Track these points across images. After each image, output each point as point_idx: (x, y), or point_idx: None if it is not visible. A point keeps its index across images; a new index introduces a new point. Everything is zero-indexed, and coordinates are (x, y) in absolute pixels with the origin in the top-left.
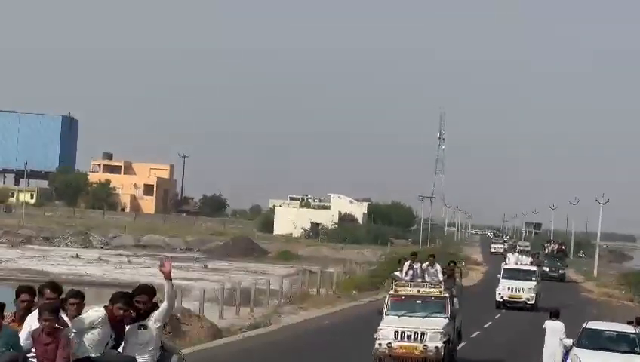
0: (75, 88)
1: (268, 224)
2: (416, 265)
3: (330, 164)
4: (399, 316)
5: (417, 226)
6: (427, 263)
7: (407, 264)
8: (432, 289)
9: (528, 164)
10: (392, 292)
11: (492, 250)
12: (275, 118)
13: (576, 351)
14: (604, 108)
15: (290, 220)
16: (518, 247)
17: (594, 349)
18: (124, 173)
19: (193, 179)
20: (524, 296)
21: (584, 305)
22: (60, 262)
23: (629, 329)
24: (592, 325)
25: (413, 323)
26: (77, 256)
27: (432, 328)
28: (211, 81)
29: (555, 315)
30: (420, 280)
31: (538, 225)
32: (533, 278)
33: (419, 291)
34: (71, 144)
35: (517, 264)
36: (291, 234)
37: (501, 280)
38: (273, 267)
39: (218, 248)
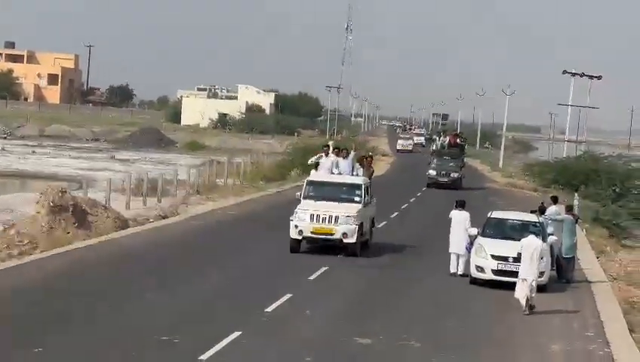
0: None
1: (175, 115)
2: (331, 156)
3: (237, 54)
4: (315, 200)
5: (325, 117)
6: (340, 153)
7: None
8: (348, 177)
9: (436, 55)
10: (309, 178)
11: (399, 147)
12: (182, 7)
13: (480, 240)
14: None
15: (197, 111)
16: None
17: (498, 238)
18: (27, 63)
19: (99, 69)
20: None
21: (489, 195)
22: None
23: (532, 218)
24: (496, 214)
25: (328, 207)
26: None
27: (346, 212)
28: None
29: (460, 205)
30: (336, 171)
31: (445, 116)
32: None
33: (334, 178)
34: None
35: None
36: (199, 124)
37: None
38: (180, 157)
39: (125, 139)
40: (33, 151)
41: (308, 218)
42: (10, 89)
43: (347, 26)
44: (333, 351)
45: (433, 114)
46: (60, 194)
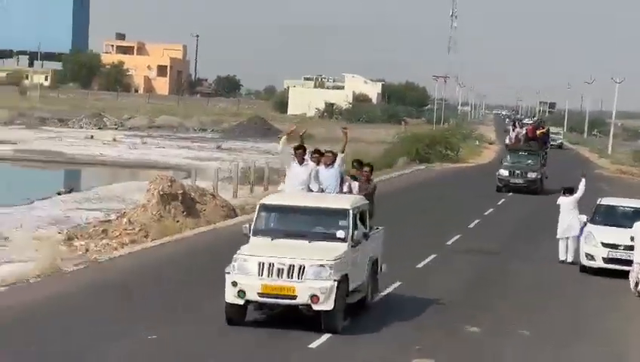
0: None
1: (282, 104)
2: (309, 164)
3: (345, 44)
4: (272, 238)
5: (431, 106)
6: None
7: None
8: (329, 197)
9: (544, 43)
10: (263, 200)
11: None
12: None
13: (590, 227)
14: None
15: (304, 100)
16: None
17: (608, 225)
18: (137, 54)
19: (207, 59)
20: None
21: (598, 181)
22: (75, 143)
23: None
24: (606, 201)
25: (289, 250)
26: (91, 137)
27: (319, 259)
28: None
29: (568, 191)
30: (315, 187)
31: (552, 105)
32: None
33: (307, 199)
34: (83, 24)
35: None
36: (305, 114)
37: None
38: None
39: (232, 128)
40: (143, 142)
41: (255, 269)
42: (121, 81)
43: (452, 13)
44: (444, 339)
45: (540, 102)
46: (170, 183)
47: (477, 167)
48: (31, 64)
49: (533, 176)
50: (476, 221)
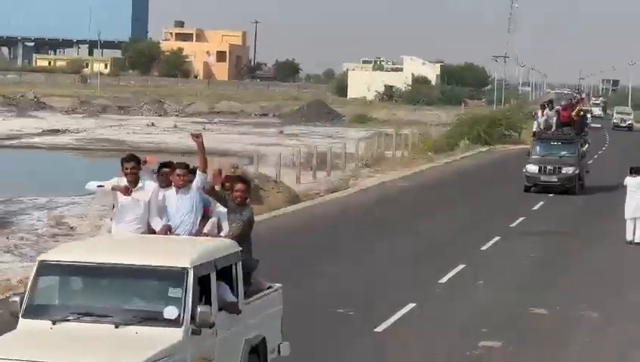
0: None
1: (341, 88)
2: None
3: (403, 26)
4: (53, 321)
5: (491, 86)
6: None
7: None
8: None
9: (605, 20)
10: (45, 254)
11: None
12: None
13: None
14: None
15: (363, 83)
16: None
17: None
18: (196, 41)
19: (266, 45)
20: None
21: None
22: (137, 131)
23: None
24: None
25: (75, 344)
26: (152, 124)
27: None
28: None
29: (635, 171)
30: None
31: (615, 82)
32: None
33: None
34: (142, 13)
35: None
36: (365, 97)
37: None
38: (348, 130)
39: (293, 113)
40: (204, 128)
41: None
42: (180, 67)
43: None
44: (509, 321)
45: (603, 80)
46: (233, 170)
47: None
48: (91, 52)
49: (570, 172)
50: (541, 203)
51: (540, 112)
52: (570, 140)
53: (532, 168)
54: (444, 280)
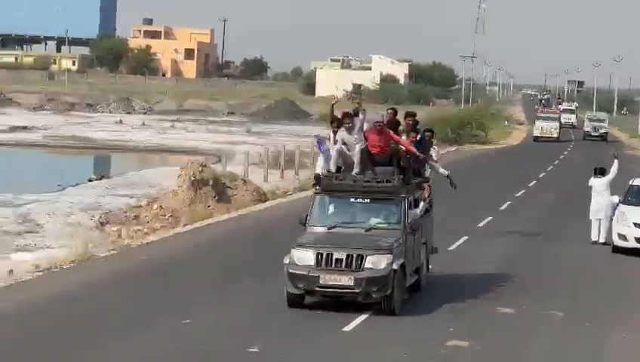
0: None
1: (309, 86)
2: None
3: (371, 26)
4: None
5: (459, 86)
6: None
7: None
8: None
9: (571, 22)
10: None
11: (537, 132)
12: None
13: (622, 207)
14: None
15: (331, 82)
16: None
17: None
18: (164, 39)
19: (234, 43)
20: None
21: (630, 163)
22: (105, 128)
23: None
24: (639, 182)
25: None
26: (120, 121)
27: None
28: None
29: (600, 172)
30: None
31: (581, 83)
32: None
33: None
34: (110, 10)
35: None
36: (333, 95)
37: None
38: (316, 129)
39: (260, 111)
40: (172, 126)
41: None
42: (148, 65)
43: None
44: (478, 321)
45: (568, 81)
46: (200, 169)
47: (506, 149)
48: (59, 49)
49: (381, 267)
50: (507, 203)
51: (331, 134)
52: (389, 192)
53: (301, 259)
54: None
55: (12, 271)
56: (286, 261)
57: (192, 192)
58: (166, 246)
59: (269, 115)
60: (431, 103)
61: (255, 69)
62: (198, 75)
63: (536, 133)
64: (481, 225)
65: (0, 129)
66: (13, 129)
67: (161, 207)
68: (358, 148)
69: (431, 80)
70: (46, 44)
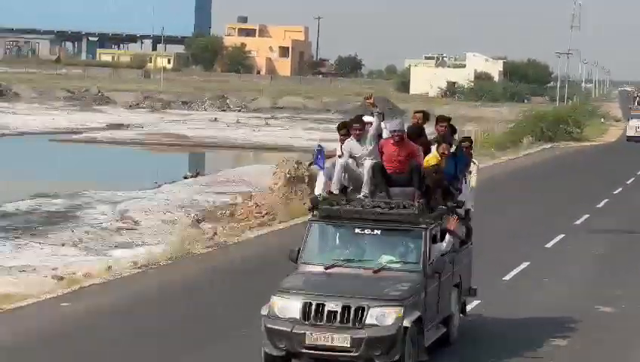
0: None
1: (403, 84)
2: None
3: (465, 22)
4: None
5: (554, 83)
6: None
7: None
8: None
9: None
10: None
11: (631, 132)
12: None
13: None
14: None
15: (426, 79)
16: None
17: None
18: (259, 37)
19: (328, 41)
20: None
21: None
22: (200, 126)
23: None
24: None
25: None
26: (215, 119)
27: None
28: None
29: None
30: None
31: None
32: None
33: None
34: (205, 8)
35: None
36: (427, 93)
37: None
38: None
39: (356, 109)
40: (266, 123)
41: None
42: (243, 63)
43: None
44: (576, 320)
45: None
46: (296, 166)
47: (603, 147)
48: (154, 48)
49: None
50: (605, 200)
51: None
52: (406, 221)
53: (283, 310)
54: (506, 279)
55: (110, 267)
56: (264, 312)
57: (287, 189)
58: (262, 244)
59: (365, 112)
60: (525, 101)
61: (349, 66)
62: (292, 73)
63: (630, 132)
64: (578, 222)
65: (98, 126)
66: (111, 126)
67: (256, 204)
68: (368, 162)
69: (525, 77)
70: (142, 42)
